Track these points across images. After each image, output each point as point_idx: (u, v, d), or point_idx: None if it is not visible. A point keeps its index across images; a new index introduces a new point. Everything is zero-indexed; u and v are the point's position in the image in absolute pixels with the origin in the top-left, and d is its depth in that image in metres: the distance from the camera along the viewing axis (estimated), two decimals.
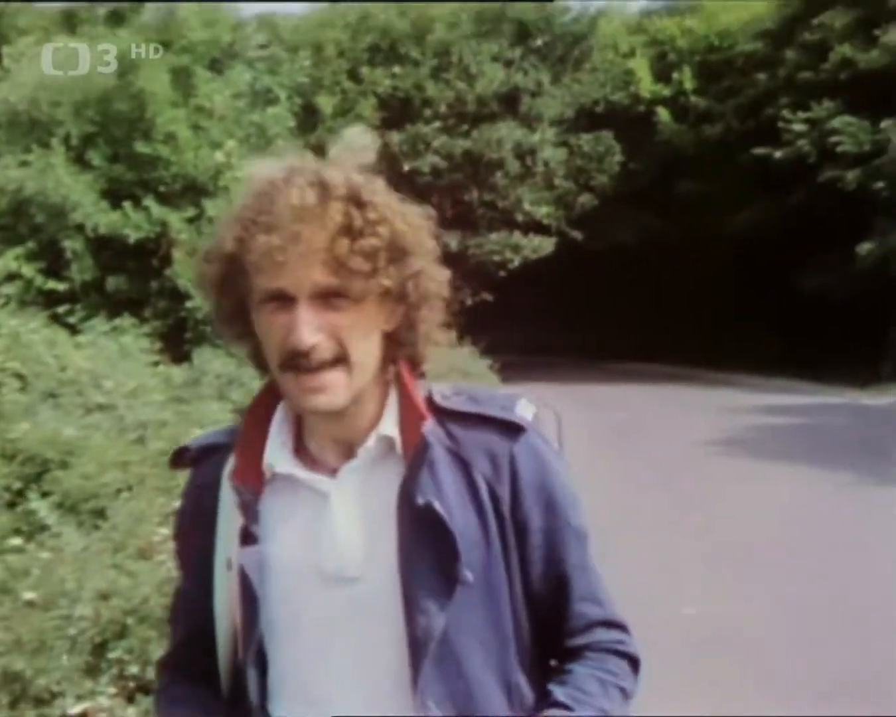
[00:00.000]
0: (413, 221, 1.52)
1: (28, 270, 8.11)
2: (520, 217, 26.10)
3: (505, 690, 1.56)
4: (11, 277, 7.77)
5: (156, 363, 9.23)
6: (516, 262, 25.89)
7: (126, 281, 9.84)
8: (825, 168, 22.64)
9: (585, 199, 28.22)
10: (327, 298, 1.44)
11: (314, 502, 1.54)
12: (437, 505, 1.49)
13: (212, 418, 7.05)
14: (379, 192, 1.50)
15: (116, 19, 11.71)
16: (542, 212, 26.62)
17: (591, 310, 32.42)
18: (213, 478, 1.60)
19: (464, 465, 1.54)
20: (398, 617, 1.50)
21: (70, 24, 13.27)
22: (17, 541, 4.72)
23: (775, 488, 10.26)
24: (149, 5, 11.74)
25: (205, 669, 1.62)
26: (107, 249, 9.77)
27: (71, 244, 9.38)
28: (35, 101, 9.58)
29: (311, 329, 1.43)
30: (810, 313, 23.80)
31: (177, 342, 10.17)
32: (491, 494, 1.54)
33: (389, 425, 1.54)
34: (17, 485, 5.47)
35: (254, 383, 9.27)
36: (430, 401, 1.58)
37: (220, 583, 1.58)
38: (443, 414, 1.57)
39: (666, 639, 5.50)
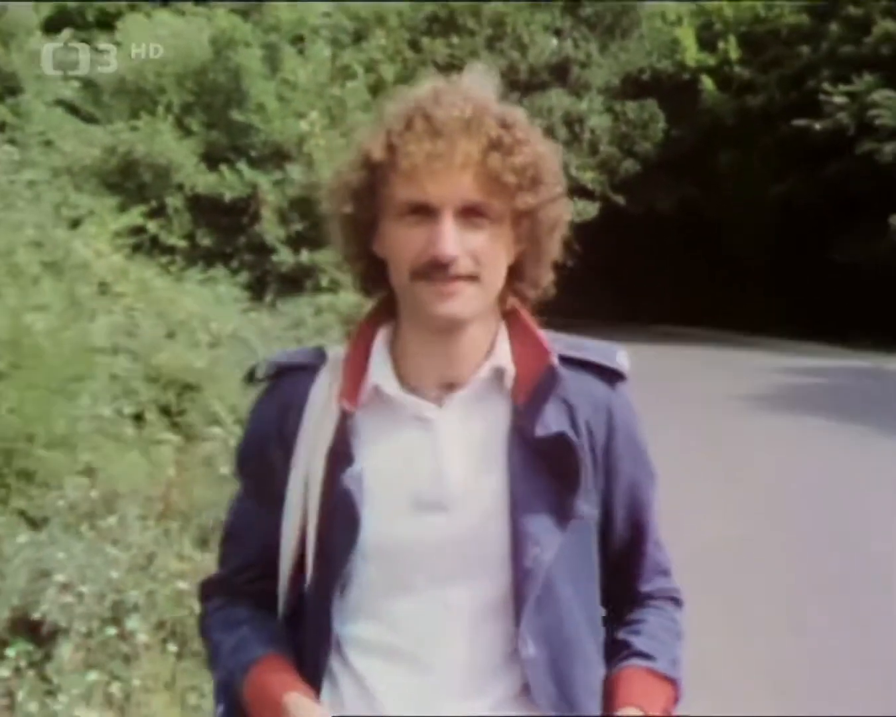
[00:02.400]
0: (550, 149, 1.57)
1: (152, 225, 9.30)
2: (566, 181, 26.82)
3: (591, 627, 1.59)
4: (135, 230, 8.93)
5: (246, 310, 10.39)
6: None
7: (219, 236, 11.00)
8: (863, 141, 23.17)
9: (629, 164, 28.84)
10: (469, 215, 1.47)
11: (415, 428, 1.54)
12: (571, 436, 1.52)
13: None
14: (521, 116, 1.55)
15: None
16: (587, 177, 27.31)
17: (631, 274, 32.87)
18: (298, 397, 1.58)
19: (568, 406, 1.55)
20: (501, 548, 1.50)
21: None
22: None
23: (797, 438, 11.27)
24: None
25: (263, 590, 1.61)
26: (202, 206, 10.92)
27: (172, 202, 10.52)
28: (141, 71, 10.74)
29: (454, 243, 1.45)
30: (843, 282, 24.35)
31: (262, 292, 11.31)
32: (590, 436, 1.56)
33: (503, 358, 1.56)
34: (163, 401, 6.63)
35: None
36: None
37: (292, 504, 1.57)
38: None
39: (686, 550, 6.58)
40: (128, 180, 10.38)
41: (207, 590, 1.71)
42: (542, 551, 1.49)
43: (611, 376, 1.61)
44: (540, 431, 1.51)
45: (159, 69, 10.85)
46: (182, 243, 9.77)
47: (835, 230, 24.62)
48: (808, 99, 25.18)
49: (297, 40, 12.09)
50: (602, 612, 1.64)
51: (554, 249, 1.60)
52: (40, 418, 4.38)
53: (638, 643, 1.61)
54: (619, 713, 1.53)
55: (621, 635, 1.63)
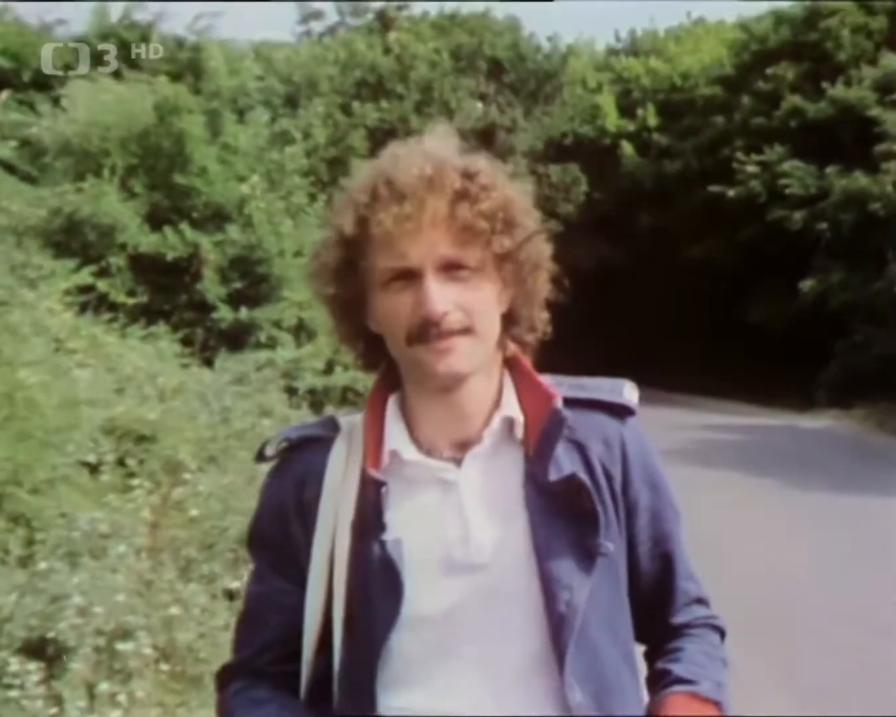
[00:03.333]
0: (518, 189, 1.58)
1: (102, 284, 9.62)
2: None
3: (628, 664, 1.58)
4: (83, 289, 9.24)
5: (187, 366, 10.72)
6: None
7: (160, 293, 11.33)
8: (774, 208, 24.07)
9: (551, 225, 29.43)
10: (450, 269, 1.48)
11: (437, 491, 1.53)
12: (583, 477, 1.52)
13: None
14: (483, 163, 1.55)
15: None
16: None
17: (555, 332, 33.63)
18: (316, 470, 1.56)
19: (579, 447, 1.55)
20: (534, 599, 1.49)
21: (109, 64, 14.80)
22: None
23: (714, 492, 11.84)
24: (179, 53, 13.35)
25: (285, 672, 1.58)
26: (144, 265, 11.25)
27: (115, 261, 10.85)
28: (87, 135, 11.08)
29: (441, 298, 1.46)
30: (755, 342, 25.23)
31: (202, 348, 11.66)
32: (605, 474, 1.56)
33: (511, 407, 1.57)
34: (121, 451, 6.95)
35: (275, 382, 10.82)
36: None
37: (316, 579, 1.54)
38: None
39: None
40: (72, 240, 10.67)
41: (227, 675, 1.65)
42: (572, 594, 1.48)
43: (620, 411, 1.61)
44: (553, 475, 1.51)
45: (104, 133, 11.21)
46: (130, 301, 10.09)
47: (748, 292, 25.62)
48: (722, 166, 26.18)
49: (237, 107, 12.57)
50: (640, 647, 1.66)
51: (542, 287, 1.61)
52: (30, 465, 4.74)
53: (678, 669, 1.60)
54: None
55: (660, 665, 1.64)
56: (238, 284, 11.54)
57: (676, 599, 1.67)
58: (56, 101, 16.09)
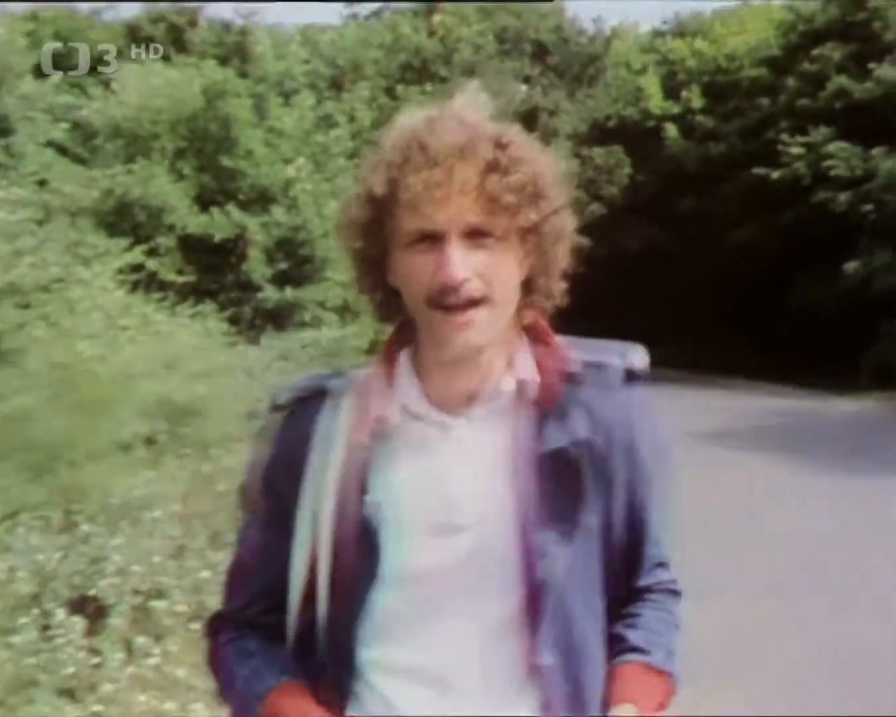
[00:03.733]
0: (549, 163, 1.57)
1: (152, 263, 9.93)
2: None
3: (596, 631, 1.60)
4: (135, 268, 9.55)
5: (233, 344, 11.02)
6: None
7: (207, 273, 11.64)
8: (819, 190, 23.91)
9: (595, 208, 29.83)
10: (474, 237, 1.48)
11: (438, 446, 1.55)
12: (573, 451, 1.54)
13: None
14: (516, 134, 1.56)
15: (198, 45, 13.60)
16: None
17: (598, 313, 33.73)
18: (308, 423, 1.59)
19: (588, 409, 1.57)
20: (514, 564, 1.52)
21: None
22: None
23: (755, 473, 11.99)
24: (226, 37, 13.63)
25: (272, 623, 1.61)
26: (192, 246, 11.56)
27: (165, 241, 11.17)
28: (138, 119, 11.40)
29: (462, 265, 1.46)
30: (799, 325, 25.14)
31: (247, 327, 11.96)
32: (607, 438, 1.58)
33: (526, 370, 1.58)
34: (167, 426, 7.24)
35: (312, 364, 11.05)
36: None
37: (303, 533, 1.57)
38: None
39: None
40: (123, 220, 11.02)
41: (216, 624, 1.69)
42: (552, 563, 1.51)
43: (629, 375, 1.63)
44: (550, 444, 1.53)
45: (154, 116, 11.50)
46: (179, 280, 10.38)
47: (791, 276, 25.53)
48: (766, 149, 26.02)
49: (283, 91, 12.81)
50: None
51: (562, 259, 1.61)
52: (84, 434, 5.00)
53: (633, 637, 1.63)
54: (614, 712, 1.56)
55: (618, 630, 1.65)
56: (283, 265, 11.83)
57: (643, 563, 1.67)
58: (107, 85, 16.47)
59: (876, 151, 23.00)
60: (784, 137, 25.53)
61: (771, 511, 9.98)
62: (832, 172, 23.74)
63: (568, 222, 1.61)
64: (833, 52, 25.74)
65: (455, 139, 1.48)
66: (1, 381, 5.14)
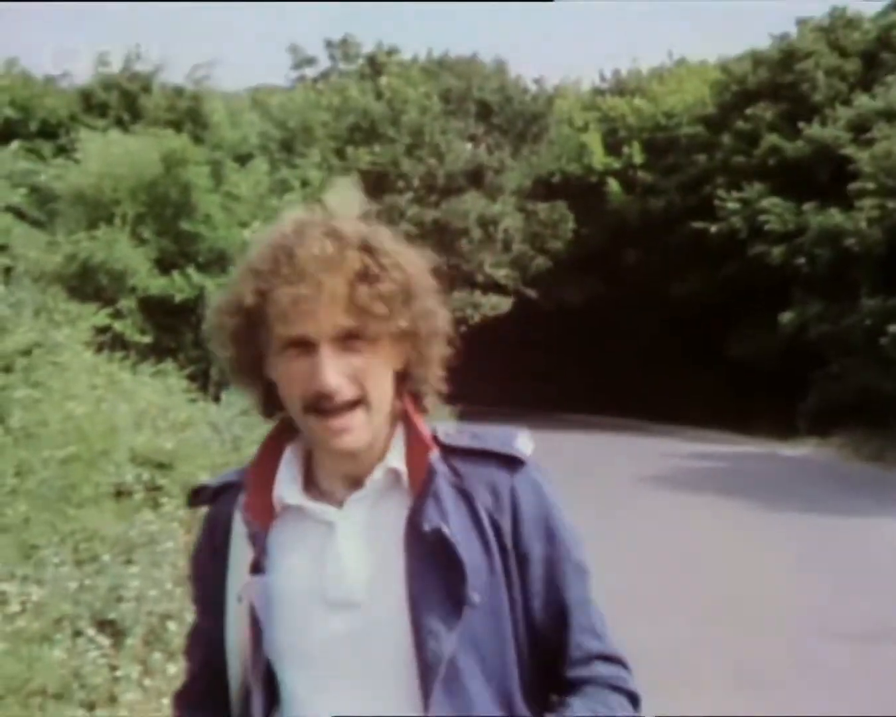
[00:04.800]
0: (419, 264, 1.59)
1: (118, 325, 10.35)
2: (480, 278, 28.41)
3: (504, 709, 1.58)
4: (101, 330, 9.97)
5: (194, 400, 11.42)
6: (476, 318, 28.00)
7: (168, 333, 12.07)
8: (755, 244, 24.94)
9: (540, 261, 30.47)
10: (346, 340, 1.50)
11: (321, 533, 1.58)
12: (446, 530, 1.54)
13: None
14: (386, 239, 1.56)
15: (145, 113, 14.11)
16: (501, 273, 28.96)
17: (544, 364, 34.18)
18: (225, 515, 1.64)
19: (467, 497, 1.58)
20: (405, 642, 1.53)
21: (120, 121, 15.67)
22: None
23: (700, 513, 12.51)
24: (179, 102, 14.19)
25: (218, 700, 1.67)
26: (153, 307, 12.00)
27: (126, 303, 11.61)
28: (99, 186, 11.86)
29: (334, 371, 1.49)
30: (739, 373, 26.00)
31: (206, 384, 12.36)
32: (493, 525, 1.58)
33: (396, 458, 1.59)
34: (144, 477, 7.64)
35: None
36: (434, 439, 1.62)
37: (232, 616, 1.63)
38: (447, 450, 1.61)
39: None
40: (87, 284, 11.41)
41: (175, 700, 1.78)
42: (438, 643, 1.51)
43: (510, 462, 1.61)
44: (425, 526, 1.54)
45: (115, 183, 11.97)
46: (145, 340, 10.80)
47: (730, 324, 26.38)
48: (704, 203, 27.03)
49: (238, 157, 13.35)
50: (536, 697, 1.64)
51: (438, 352, 1.61)
52: (78, 484, 5.47)
53: None
54: None
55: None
56: None
57: (570, 652, 1.62)
58: (61, 150, 16.92)
59: (807, 207, 24.00)
60: (720, 192, 26.58)
61: (717, 545, 10.50)
62: (767, 227, 24.78)
63: (441, 319, 1.61)
64: (765, 111, 26.92)
65: (323, 250, 1.49)
66: None
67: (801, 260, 23.66)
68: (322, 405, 1.50)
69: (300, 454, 1.63)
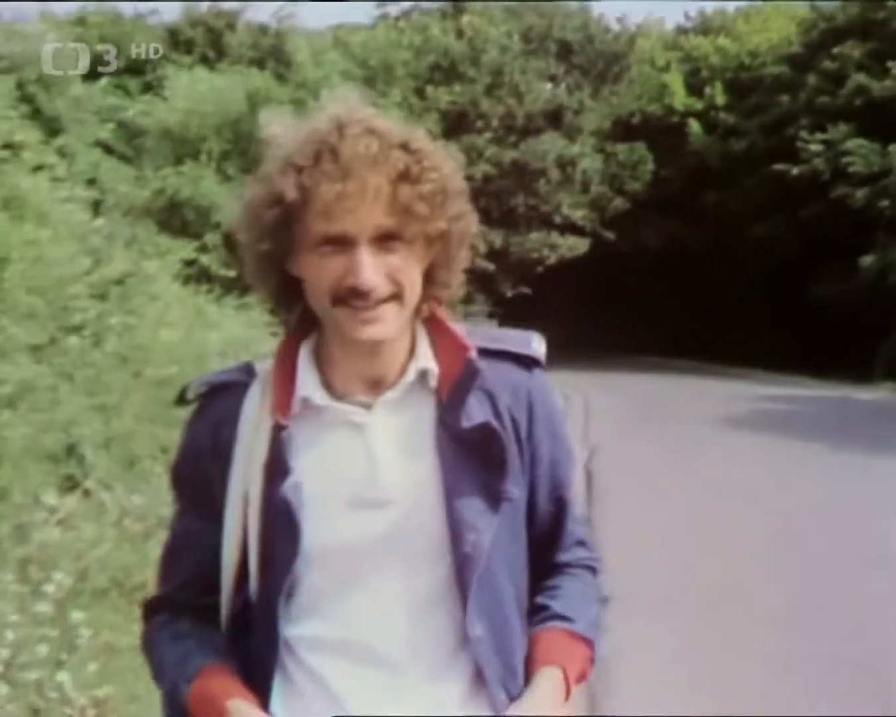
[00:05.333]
0: (452, 165, 1.58)
1: (204, 259, 10.73)
2: (558, 219, 28.39)
3: (519, 601, 1.65)
4: (188, 263, 10.35)
5: (276, 333, 11.80)
6: (553, 259, 28.23)
7: None
8: (837, 186, 24.57)
9: (618, 203, 30.33)
10: (384, 240, 1.50)
11: (347, 433, 1.58)
12: (495, 424, 1.58)
13: None
14: (423, 139, 1.56)
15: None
16: (579, 215, 28.89)
17: (620, 306, 34.06)
18: (231, 413, 1.61)
19: (489, 395, 1.61)
20: (440, 537, 1.56)
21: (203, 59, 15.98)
22: None
23: (768, 456, 12.50)
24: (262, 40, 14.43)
25: (205, 605, 1.64)
26: (236, 242, 12.32)
27: (211, 238, 11.97)
28: (186, 123, 12.20)
29: (373, 271, 1.49)
30: (817, 317, 25.79)
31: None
32: (512, 421, 1.62)
33: (426, 359, 1.61)
34: None
35: None
36: None
37: (231, 518, 1.60)
38: None
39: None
40: (173, 219, 11.80)
41: (150, 609, 1.72)
42: (478, 535, 1.54)
43: (528, 362, 1.67)
44: (465, 422, 1.56)
45: (201, 120, 12.30)
46: (230, 274, 11.13)
47: (810, 269, 26.10)
48: (787, 145, 26.65)
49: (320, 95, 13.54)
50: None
51: (464, 257, 1.63)
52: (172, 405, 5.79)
53: (556, 606, 1.68)
54: (540, 675, 1.62)
55: (540, 599, 1.70)
56: None
57: (564, 539, 1.73)
58: (148, 86, 17.32)
59: (893, 148, 23.63)
60: (804, 134, 26.15)
61: (801, 484, 10.59)
62: (850, 169, 24.38)
63: (471, 225, 1.62)
64: (853, 50, 26.33)
65: (366, 149, 1.48)
66: (92, 363, 5.91)
67: (885, 203, 23.35)
68: (355, 301, 1.50)
69: (314, 354, 1.62)
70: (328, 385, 1.59)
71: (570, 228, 28.75)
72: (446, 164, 1.56)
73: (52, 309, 5.96)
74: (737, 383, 22.02)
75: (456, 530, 1.54)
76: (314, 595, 1.57)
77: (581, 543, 1.76)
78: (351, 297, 1.49)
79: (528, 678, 1.62)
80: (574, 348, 30.69)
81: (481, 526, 1.55)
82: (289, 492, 1.53)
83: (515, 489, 1.60)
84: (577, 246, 28.71)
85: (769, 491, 10.42)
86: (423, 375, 1.59)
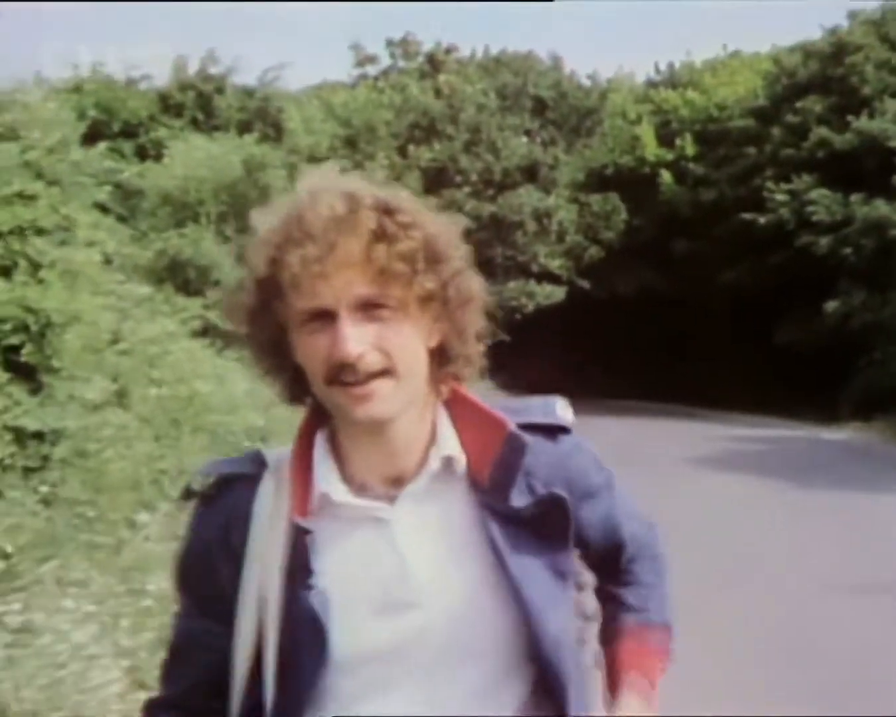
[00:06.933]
0: (444, 226, 1.49)
1: (211, 314, 11.47)
2: (535, 268, 29.29)
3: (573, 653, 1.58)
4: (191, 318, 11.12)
5: None
6: (530, 307, 29.09)
7: None
8: (802, 234, 25.48)
9: (593, 251, 31.21)
10: (368, 309, 1.41)
11: (369, 530, 1.49)
12: (560, 492, 1.51)
13: None
14: (404, 199, 1.47)
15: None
16: (555, 264, 29.80)
17: (596, 352, 34.61)
18: (243, 509, 1.51)
19: (525, 472, 1.52)
20: (494, 628, 1.49)
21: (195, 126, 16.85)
22: None
23: (738, 490, 13.28)
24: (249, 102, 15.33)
25: (212, 709, 1.54)
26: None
27: (212, 295, 12.74)
28: (185, 187, 13.02)
29: (356, 341, 1.39)
30: (785, 360, 26.60)
31: None
32: (550, 496, 1.52)
33: (449, 445, 1.51)
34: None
35: None
36: None
37: (246, 621, 1.50)
38: None
39: None
40: (175, 277, 12.57)
41: (153, 710, 1.62)
42: (559, 617, 1.51)
43: (555, 431, 1.59)
44: (517, 501, 1.49)
45: (198, 185, 13.11)
46: (229, 327, 11.82)
47: (777, 314, 27.00)
48: (754, 195, 27.60)
49: (312, 159, 14.44)
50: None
51: (474, 321, 1.52)
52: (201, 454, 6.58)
53: (628, 596, 1.71)
54: (627, 683, 1.65)
55: (611, 588, 1.73)
56: None
57: (627, 547, 1.72)
58: (141, 148, 18.14)
59: (854, 198, 24.61)
60: (770, 184, 27.14)
61: (769, 519, 11.17)
62: (814, 218, 25.33)
63: (474, 283, 1.52)
64: (815, 104, 27.38)
65: (333, 211, 1.40)
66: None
67: (847, 250, 24.22)
68: (346, 377, 1.40)
69: (332, 448, 1.53)
70: (347, 478, 1.50)
71: (546, 276, 29.58)
72: (432, 223, 1.47)
73: (102, 368, 6.73)
74: (708, 425, 22.61)
75: (536, 619, 1.48)
76: (341, 703, 1.50)
77: (640, 535, 1.75)
78: (341, 373, 1.41)
79: (611, 684, 1.68)
80: (549, 393, 30.90)
81: (557, 609, 1.52)
82: (314, 599, 1.45)
83: (571, 563, 1.59)
84: (553, 294, 29.53)
85: (738, 527, 10.94)
86: (448, 463, 1.50)
